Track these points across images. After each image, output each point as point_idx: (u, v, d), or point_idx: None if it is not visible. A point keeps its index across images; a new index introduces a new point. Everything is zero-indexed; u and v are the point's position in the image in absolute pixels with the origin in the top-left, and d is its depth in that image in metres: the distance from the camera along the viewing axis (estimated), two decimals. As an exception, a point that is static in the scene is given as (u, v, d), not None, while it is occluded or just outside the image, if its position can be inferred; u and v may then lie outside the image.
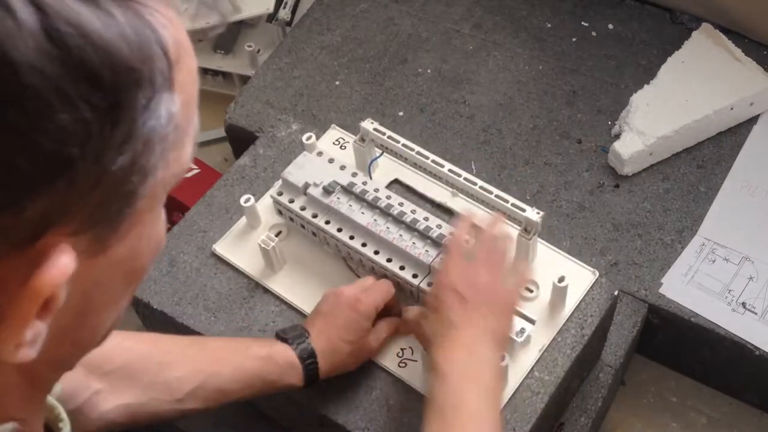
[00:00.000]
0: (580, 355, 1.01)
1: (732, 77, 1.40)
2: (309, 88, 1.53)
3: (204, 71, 1.79)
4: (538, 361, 0.99)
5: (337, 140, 1.24)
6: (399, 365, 1.00)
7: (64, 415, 0.57)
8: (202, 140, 1.72)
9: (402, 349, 1.01)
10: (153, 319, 1.16)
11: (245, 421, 1.21)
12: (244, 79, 1.69)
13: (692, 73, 1.41)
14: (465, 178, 1.07)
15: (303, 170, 1.08)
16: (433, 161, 1.08)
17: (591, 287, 1.05)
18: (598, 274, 1.06)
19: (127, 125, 0.39)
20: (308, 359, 0.93)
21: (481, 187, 1.06)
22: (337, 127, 1.24)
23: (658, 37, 1.55)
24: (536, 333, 1.00)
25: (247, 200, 1.10)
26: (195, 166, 1.60)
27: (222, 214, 1.18)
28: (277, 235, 1.08)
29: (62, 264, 0.39)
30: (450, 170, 1.08)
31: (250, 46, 1.68)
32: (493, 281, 0.90)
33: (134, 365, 0.85)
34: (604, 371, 1.19)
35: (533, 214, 1.02)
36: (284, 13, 1.70)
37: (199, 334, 1.07)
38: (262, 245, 1.06)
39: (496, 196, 1.04)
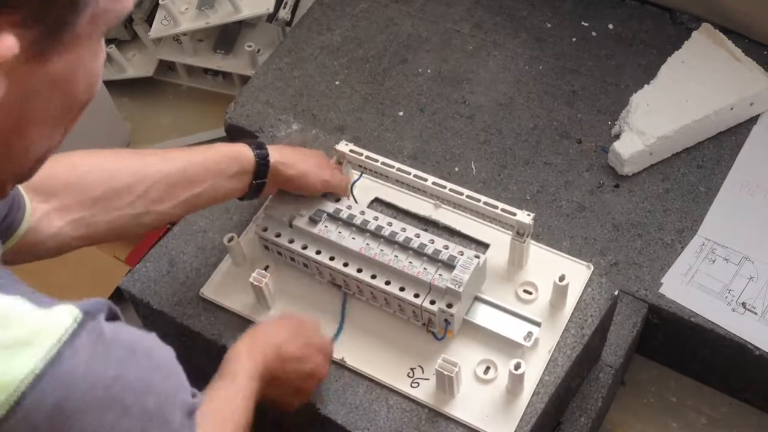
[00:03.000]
0: (580, 355, 1.01)
1: (732, 77, 1.40)
2: (309, 88, 1.53)
3: (204, 71, 1.79)
4: (548, 362, 0.99)
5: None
6: (411, 386, 1.00)
7: None
8: (202, 140, 1.72)
9: (412, 369, 1.00)
10: (153, 319, 1.16)
11: (245, 421, 1.21)
12: (244, 79, 1.69)
13: (692, 73, 1.41)
14: (451, 189, 1.06)
15: (285, 202, 1.06)
16: (415, 176, 1.07)
17: (589, 283, 1.05)
18: (592, 267, 1.06)
19: None
20: (262, 160, 0.96)
21: (468, 196, 1.05)
22: None
23: (658, 37, 1.55)
24: (542, 335, 1.00)
25: (231, 239, 1.07)
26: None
27: (222, 214, 1.18)
28: (266, 269, 1.06)
29: (8, 43, 0.44)
30: (434, 183, 1.07)
31: (250, 46, 1.68)
32: None
33: (81, 181, 0.85)
34: (604, 371, 1.19)
35: (524, 216, 1.01)
36: (284, 13, 1.70)
37: (199, 334, 1.07)
38: (255, 283, 1.03)
39: (485, 203, 1.04)
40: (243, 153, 0.96)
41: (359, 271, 1.01)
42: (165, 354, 0.61)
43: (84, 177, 0.85)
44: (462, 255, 0.99)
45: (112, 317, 0.56)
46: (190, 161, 0.92)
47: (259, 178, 0.98)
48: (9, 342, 0.48)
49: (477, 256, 0.99)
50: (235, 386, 0.84)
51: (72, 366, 0.50)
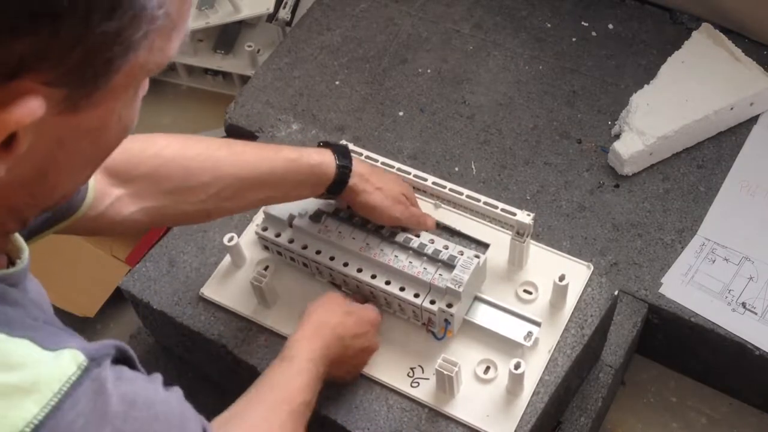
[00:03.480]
0: (580, 355, 1.01)
1: (732, 77, 1.40)
2: (309, 88, 1.53)
3: (204, 71, 1.79)
4: (548, 362, 0.99)
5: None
6: (411, 385, 1.00)
7: (22, 242, 0.58)
8: (201, 140, 1.72)
9: (412, 369, 1.01)
10: (153, 319, 1.16)
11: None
12: (244, 79, 1.69)
13: (692, 73, 1.41)
14: (450, 189, 1.06)
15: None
16: (415, 176, 1.08)
17: (589, 283, 1.05)
18: (592, 267, 1.06)
19: None
20: (342, 176, 0.96)
21: (468, 196, 1.05)
22: None
23: (658, 37, 1.55)
24: (542, 334, 1.00)
25: (231, 239, 1.06)
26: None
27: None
28: (265, 269, 1.06)
29: (31, 105, 0.42)
30: (434, 183, 1.07)
31: (250, 46, 1.68)
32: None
33: (159, 171, 0.86)
34: (604, 371, 1.19)
35: (524, 217, 1.01)
36: (284, 13, 1.70)
37: (199, 334, 1.07)
38: (255, 282, 1.03)
39: (485, 203, 1.04)
40: (327, 170, 0.95)
41: (359, 271, 1.01)
42: (168, 401, 0.59)
43: (163, 167, 0.86)
44: (462, 255, 0.99)
45: (119, 359, 0.55)
46: (272, 168, 0.92)
47: (333, 193, 0.98)
48: (10, 389, 0.47)
49: (477, 256, 0.99)
50: (293, 368, 0.87)
51: (71, 418, 0.49)
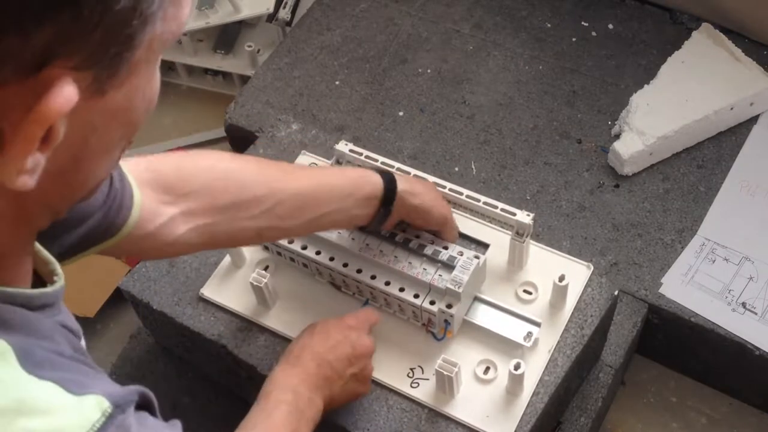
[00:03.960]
0: (580, 355, 1.01)
1: (732, 77, 1.40)
2: (309, 88, 1.53)
3: (204, 71, 1.79)
4: (548, 362, 0.99)
5: (309, 165, 1.18)
6: (411, 386, 1.00)
7: (59, 269, 0.58)
8: (202, 140, 1.72)
9: (411, 369, 1.01)
10: (153, 319, 1.16)
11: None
12: (244, 79, 1.69)
13: (692, 73, 1.41)
14: (450, 189, 1.06)
15: None
16: (415, 176, 1.08)
17: (589, 283, 1.05)
18: (592, 267, 1.06)
19: None
20: (390, 185, 0.94)
21: (467, 196, 1.05)
22: (308, 153, 1.21)
23: (658, 37, 1.55)
24: (542, 335, 1.00)
25: None
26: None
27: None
28: (265, 269, 1.06)
29: (66, 93, 0.42)
30: (434, 183, 1.07)
31: (250, 46, 1.68)
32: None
33: (214, 185, 0.84)
34: (604, 371, 1.19)
35: (524, 217, 1.01)
36: (284, 13, 1.70)
37: (199, 334, 1.07)
38: (254, 282, 1.03)
39: (484, 203, 1.04)
40: (371, 177, 0.94)
41: (359, 271, 1.01)
42: None
43: (217, 181, 0.84)
44: (462, 255, 0.99)
45: (141, 404, 0.55)
46: (321, 182, 0.91)
47: (386, 204, 0.95)
48: None
49: (477, 257, 0.99)
50: (269, 404, 0.85)
51: None
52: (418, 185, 1.00)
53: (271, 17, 1.70)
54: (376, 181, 0.94)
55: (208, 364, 1.18)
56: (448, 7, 1.64)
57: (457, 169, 1.40)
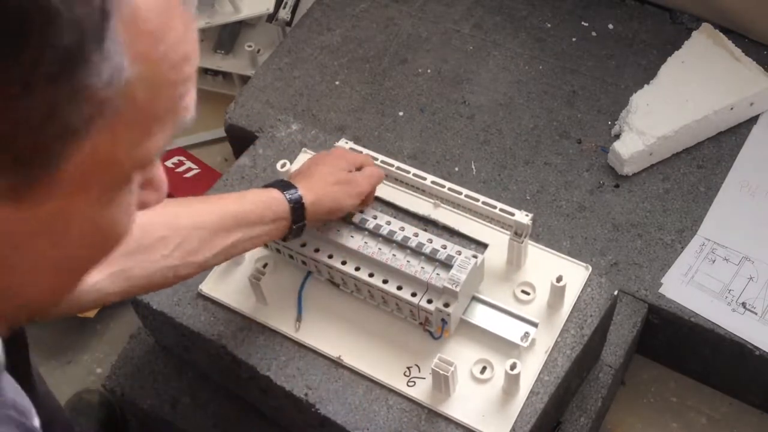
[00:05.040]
0: (580, 356, 1.01)
1: (732, 77, 1.40)
2: (309, 88, 1.53)
3: (204, 71, 1.79)
4: (546, 362, 0.99)
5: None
6: (408, 384, 1.00)
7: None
8: (202, 140, 1.72)
9: (408, 368, 1.00)
10: (153, 319, 1.16)
11: (245, 421, 1.21)
12: (244, 79, 1.69)
13: (692, 73, 1.41)
14: (449, 188, 1.06)
15: None
16: (414, 175, 1.07)
17: (587, 284, 1.05)
18: (591, 268, 1.06)
19: (33, 57, 0.35)
20: (296, 204, 0.94)
21: (467, 196, 1.05)
22: (308, 150, 1.21)
23: (658, 37, 1.55)
24: (539, 335, 1.00)
25: None
26: (195, 166, 1.60)
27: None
28: (264, 267, 1.05)
29: None
30: (433, 182, 1.06)
31: (250, 46, 1.68)
32: None
33: None
34: (604, 371, 1.19)
35: (523, 217, 1.01)
36: (284, 13, 1.70)
37: (199, 334, 1.07)
38: (253, 279, 1.03)
39: (483, 203, 1.04)
40: (273, 201, 0.93)
41: (357, 269, 1.01)
42: None
43: None
44: (460, 255, 0.99)
45: None
46: (224, 212, 0.90)
47: (297, 222, 0.95)
48: None
49: (475, 256, 0.99)
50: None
51: None
52: (319, 185, 0.98)
53: (271, 17, 1.71)
54: (280, 203, 0.93)
55: (208, 363, 1.18)
56: (448, 7, 1.64)
57: (457, 169, 1.40)
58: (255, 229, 0.92)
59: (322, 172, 0.99)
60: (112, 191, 0.43)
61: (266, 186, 0.96)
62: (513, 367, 0.93)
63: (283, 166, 1.09)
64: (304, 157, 1.20)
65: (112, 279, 0.82)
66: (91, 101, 0.38)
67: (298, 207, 0.94)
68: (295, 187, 0.95)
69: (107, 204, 0.44)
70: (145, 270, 0.84)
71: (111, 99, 0.38)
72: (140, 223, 0.82)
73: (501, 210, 1.03)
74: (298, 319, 1.04)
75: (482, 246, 1.07)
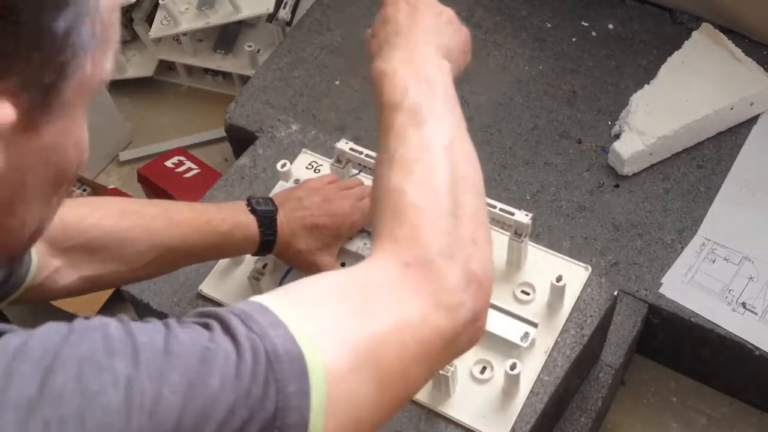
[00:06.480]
0: (579, 356, 1.01)
1: (732, 77, 1.39)
2: (309, 88, 1.53)
3: (204, 71, 1.79)
4: (546, 362, 0.99)
5: (310, 164, 1.19)
6: None
7: None
8: (202, 140, 1.72)
9: None
10: (152, 319, 1.16)
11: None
12: (244, 79, 1.69)
13: (692, 73, 1.41)
14: None
15: None
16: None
17: (587, 284, 1.05)
18: (590, 269, 1.06)
19: None
20: (268, 232, 0.95)
21: None
22: (308, 151, 1.21)
23: (658, 37, 1.55)
24: (539, 335, 1.00)
25: None
26: (195, 166, 1.60)
27: (221, 214, 1.18)
28: (263, 267, 1.06)
29: (4, 110, 0.43)
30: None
31: (250, 46, 1.68)
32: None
33: (95, 242, 0.85)
34: (604, 371, 1.19)
35: (523, 216, 1.01)
36: (284, 13, 1.70)
37: (198, 334, 1.07)
38: (253, 280, 1.03)
39: None
40: (251, 233, 0.95)
41: None
42: None
43: (98, 239, 0.85)
44: None
45: None
46: (198, 231, 0.91)
47: (264, 249, 0.97)
48: None
49: (475, 256, 0.99)
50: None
51: None
52: (298, 226, 0.98)
53: (271, 17, 1.70)
54: (251, 231, 0.94)
55: (208, 364, 1.18)
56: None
57: (456, 169, 1.39)
58: (227, 248, 0.96)
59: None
60: (84, 114, 0.51)
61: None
62: (513, 367, 0.93)
63: (283, 166, 1.09)
64: (304, 157, 1.20)
65: (85, 280, 0.85)
66: (94, 22, 0.46)
67: (268, 236, 0.96)
68: (275, 223, 0.96)
69: (83, 124, 0.51)
70: (117, 276, 0.88)
71: (104, 21, 0.47)
72: (121, 237, 0.87)
73: (501, 210, 1.03)
74: None
75: (482, 246, 1.07)
